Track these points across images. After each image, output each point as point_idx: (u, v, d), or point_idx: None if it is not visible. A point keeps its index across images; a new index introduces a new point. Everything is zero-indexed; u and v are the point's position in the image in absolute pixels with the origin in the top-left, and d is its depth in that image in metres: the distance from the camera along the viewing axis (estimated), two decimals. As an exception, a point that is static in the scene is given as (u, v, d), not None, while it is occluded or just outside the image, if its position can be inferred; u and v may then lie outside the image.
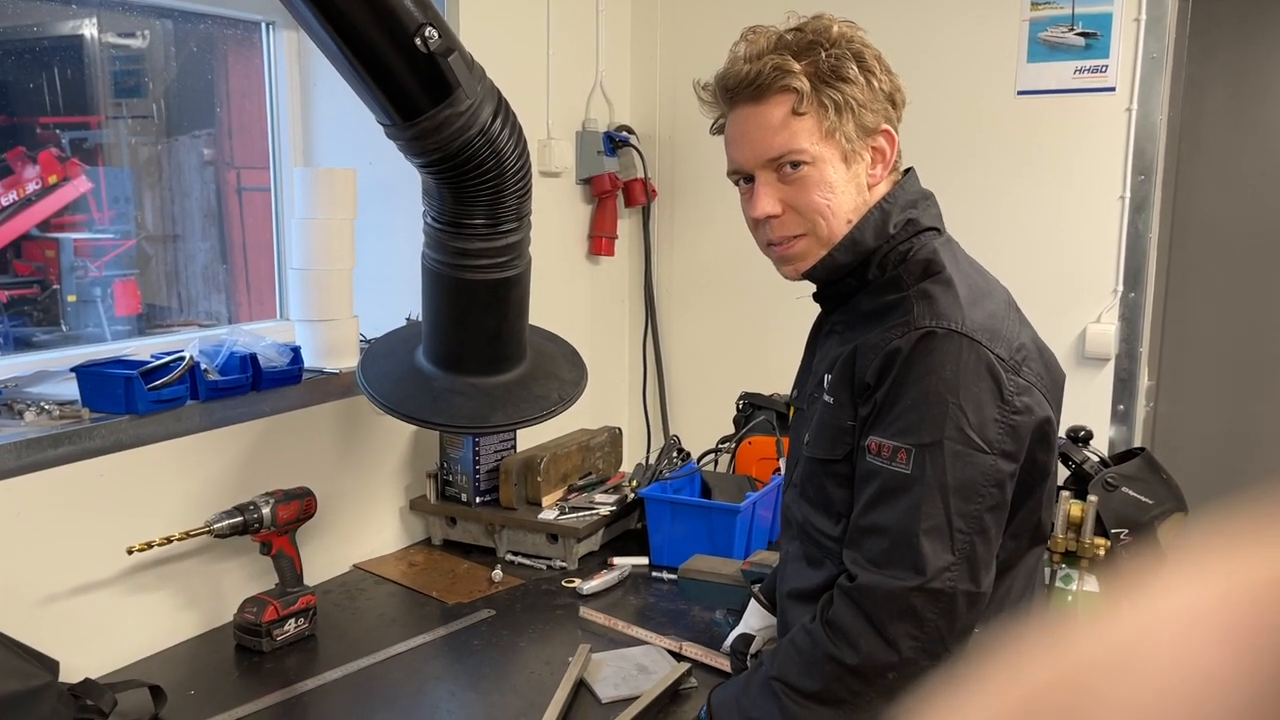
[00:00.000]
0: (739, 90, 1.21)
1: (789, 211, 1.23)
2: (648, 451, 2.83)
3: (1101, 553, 2.05)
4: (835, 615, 1.15)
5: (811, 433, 1.28)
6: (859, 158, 1.22)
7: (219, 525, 1.68)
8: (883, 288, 1.22)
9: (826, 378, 1.25)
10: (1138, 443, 2.41)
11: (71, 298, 3.52)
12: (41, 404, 1.62)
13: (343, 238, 2.03)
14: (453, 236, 1.66)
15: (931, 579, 1.10)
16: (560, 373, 1.92)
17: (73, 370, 1.68)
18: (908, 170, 1.30)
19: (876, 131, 1.22)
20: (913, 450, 1.12)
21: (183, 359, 1.71)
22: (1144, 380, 2.43)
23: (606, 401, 2.80)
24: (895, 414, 1.14)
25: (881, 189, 1.26)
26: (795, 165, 1.20)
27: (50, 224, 3.33)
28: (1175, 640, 0.29)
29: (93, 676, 1.48)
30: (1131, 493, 2.14)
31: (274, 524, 1.74)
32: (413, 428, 2.22)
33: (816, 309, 1.41)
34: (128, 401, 1.64)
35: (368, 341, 2.08)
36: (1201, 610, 0.29)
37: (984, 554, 1.13)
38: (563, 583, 2.06)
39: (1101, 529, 2.07)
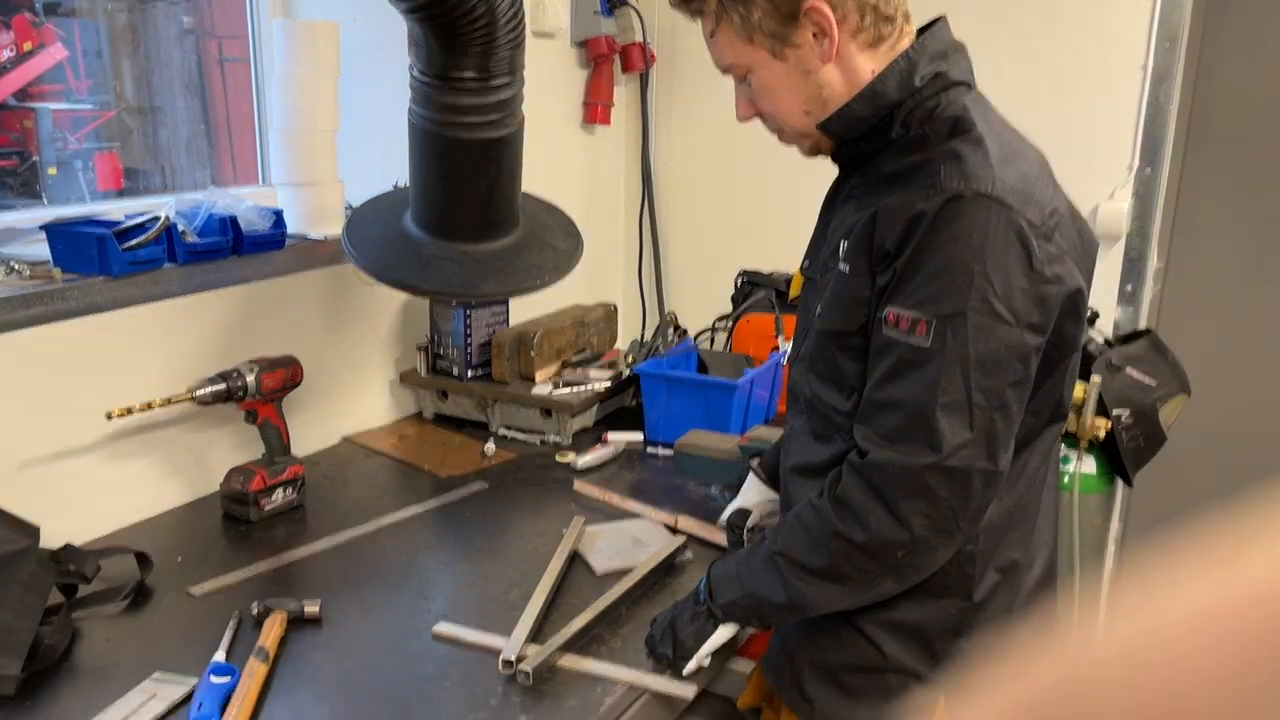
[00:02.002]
0: (680, 10, 1.22)
1: (760, 113, 1.24)
2: (643, 329, 2.78)
3: (1101, 434, 2.02)
4: (844, 491, 1.10)
5: (824, 304, 1.21)
6: (792, 46, 1.14)
7: (201, 392, 1.62)
8: (907, 147, 1.14)
9: (842, 245, 1.18)
10: (1144, 324, 2.36)
11: (52, 170, 3.39)
12: (11, 263, 1.55)
13: (325, 96, 1.92)
14: (441, 91, 1.56)
15: (947, 456, 1.05)
16: (555, 242, 1.84)
17: (42, 229, 1.59)
18: (936, 20, 1.20)
19: (799, 14, 1.12)
20: (933, 322, 1.06)
21: (158, 219, 1.63)
22: (1153, 261, 2.36)
23: (601, 278, 2.73)
24: (916, 283, 1.08)
25: (898, 45, 1.16)
26: (742, 76, 1.21)
27: (27, 93, 3.17)
28: (1182, 641, 0.29)
29: (75, 544, 1.45)
30: (1135, 374, 2.10)
31: (259, 392, 1.68)
32: (401, 298, 2.16)
33: (826, 182, 1.33)
34: (101, 262, 1.56)
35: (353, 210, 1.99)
36: (1208, 611, 0.29)
37: (1004, 431, 1.08)
38: (556, 457, 2.02)
39: (1103, 410, 2.04)
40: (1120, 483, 2.15)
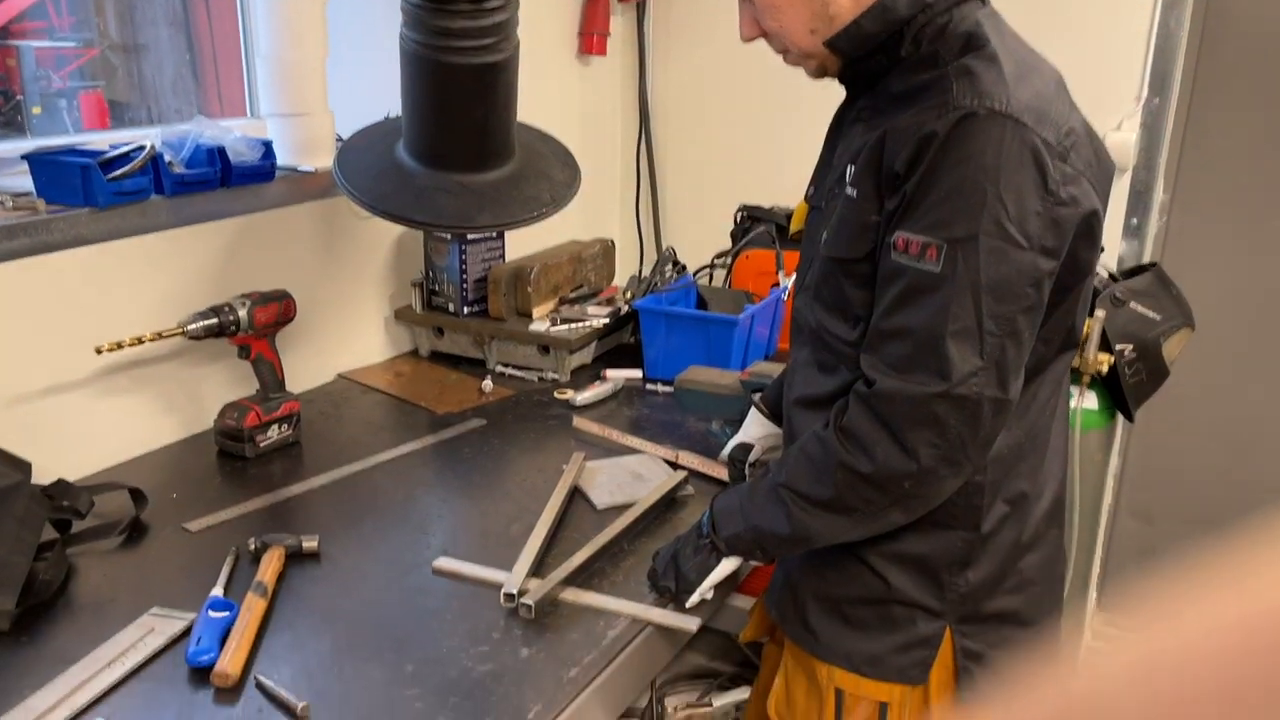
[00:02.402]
0: None
1: (765, 32, 1.20)
2: (640, 265, 2.74)
3: (1104, 369, 2.00)
4: (850, 422, 1.08)
5: (830, 230, 1.18)
6: None
7: (193, 326, 1.59)
8: (917, 65, 1.10)
9: (849, 169, 1.14)
10: (1149, 258, 2.33)
11: (36, 109, 3.31)
12: (-8, 194, 1.50)
13: (314, 21, 1.86)
14: (434, 14, 1.50)
15: (957, 384, 1.03)
16: (552, 173, 1.80)
17: (25, 159, 1.54)
18: None
19: None
20: (944, 246, 1.03)
21: (143, 149, 1.58)
22: (1160, 194, 2.33)
23: (598, 213, 2.68)
24: (926, 206, 1.04)
25: None
26: None
27: (9, 31, 3.08)
28: (1195, 661, 0.29)
29: (68, 479, 1.42)
30: (1140, 308, 2.07)
31: (251, 326, 1.65)
32: (396, 232, 2.12)
33: (828, 112, 1.29)
34: (86, 193, 1.51)
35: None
36: (1222, 631, 0.29)
37: (1014, 359, 1.05)
38: (555, 394, 2.00)
39: (1105, 345, 2.01)
40: (1121, 418, 2.13)
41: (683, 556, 1.26)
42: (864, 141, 1.12)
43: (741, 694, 1.78)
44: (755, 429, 1.56)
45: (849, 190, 1.14)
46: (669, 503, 1.54)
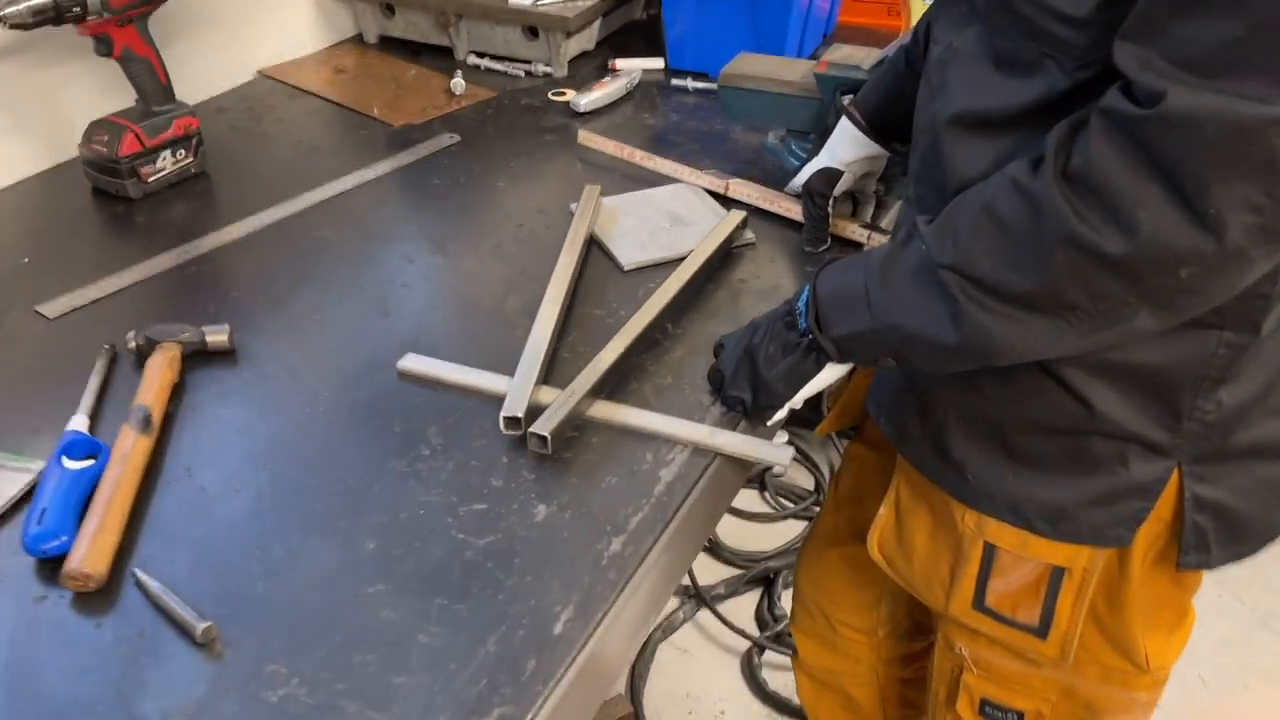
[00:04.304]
0: None
1: None
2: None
3: None
4: (1093, 165, 0.63)
5: None
6: None
7: (11, 10, 1.07)
8: None
9: None
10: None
11: None
12: None
13: None
14: None
15: None
16: None
17: None
18: None
19: None
20: None
21: None
22: None
23: None
24: None
25: None
26: None
27: None
28: None
29: None
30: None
31: (105, 8, 1.12)
32: None
33: None
34: None
35: None
36: None
37: None
38: (549, 95, 1.50)
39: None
40: None
41: (763, 355, 0.85)
42: None
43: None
44: (846, 149, 1.09)
45: None
46: (723, 256, 1.10)
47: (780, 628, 1.80)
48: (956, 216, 0.71)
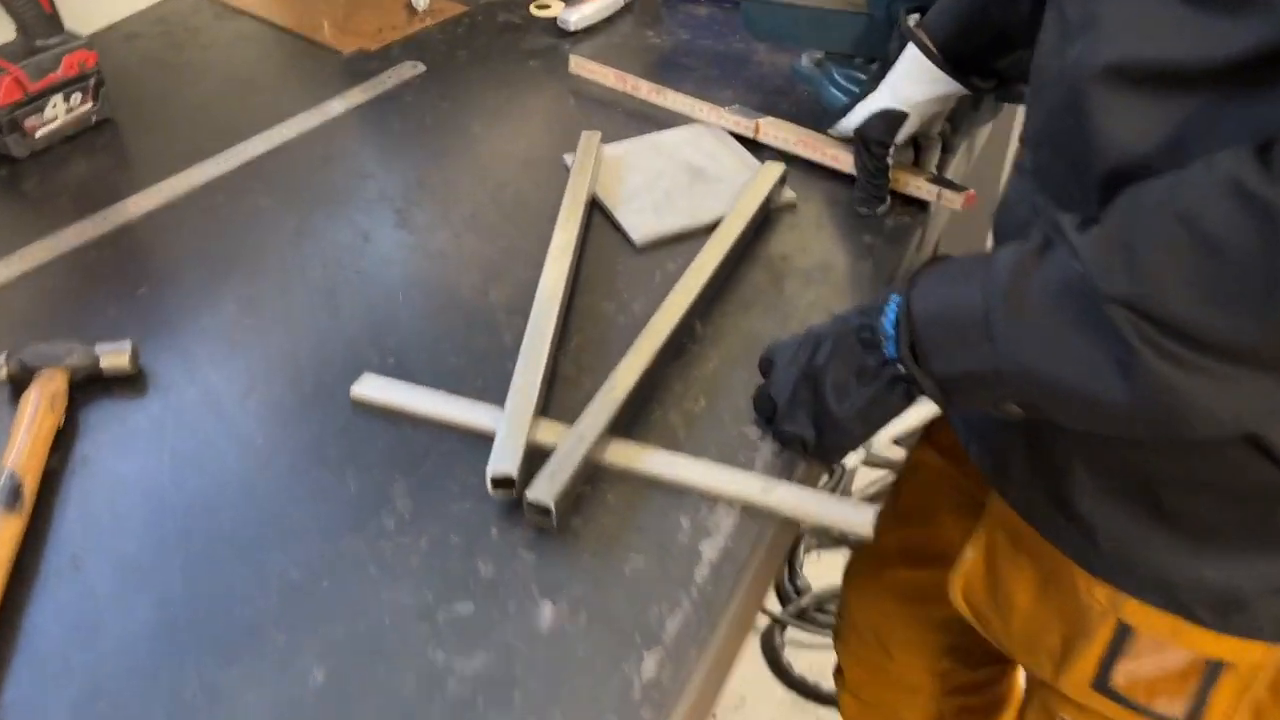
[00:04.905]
0: None
1: None
2: None
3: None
4: None
5: None
6: None
7: None
8: None
9: None
10: None
11: None
12: None
13: None
14: None
15: None
16: None
17: None
18: None
19: None
20: None
21: None
22: None
23: None
24: None
25: None
26: None
27: None
28: None
29: None
30: None
31: (-47, -86, 0.87)
32: None
33: None
34: None
35: None
36: None
37: None
38: (531, 8, 1.25)
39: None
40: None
41: (831, 383, 0.65)
42: None
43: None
44: (912, 85, 0.86)
45: None
46: (761, 222, 0.88)
47: (804, 602, 1.63)
48: (1132, 227, 0.50)
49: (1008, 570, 0.74)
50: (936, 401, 0.61)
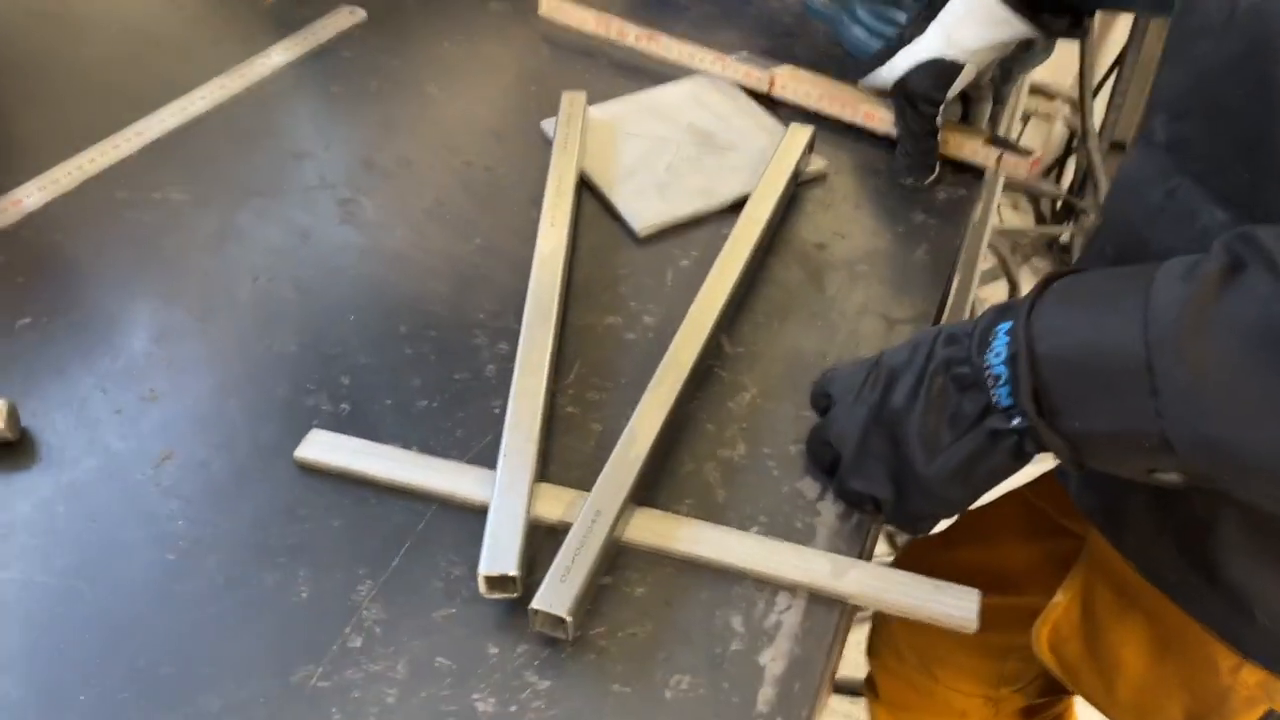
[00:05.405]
0: None
1: None
2: None
3: None
4: None
5: None
6: None
7: None
8: None
9: None
10: None
11: None
12: None
13: None
14: None
15: None
16: None
17: None
18: None
19: None
20: None
21: None
22: None
23: None
24: None
25: None
26: None
27: None
28: None
29: None
30: None
31: None
32: None
33: None
34: None
35: None
36: None
37: None
38: (487, -63, 1.06)
39: None
40: None
41: (915, 431, 0.50)
42: None
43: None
44: (971, 27, 0.70)
45: None
46: (789, 200, 0.73)
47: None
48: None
49: (1112, 625, 0.62)
50: (1067, 465, 0.47)
